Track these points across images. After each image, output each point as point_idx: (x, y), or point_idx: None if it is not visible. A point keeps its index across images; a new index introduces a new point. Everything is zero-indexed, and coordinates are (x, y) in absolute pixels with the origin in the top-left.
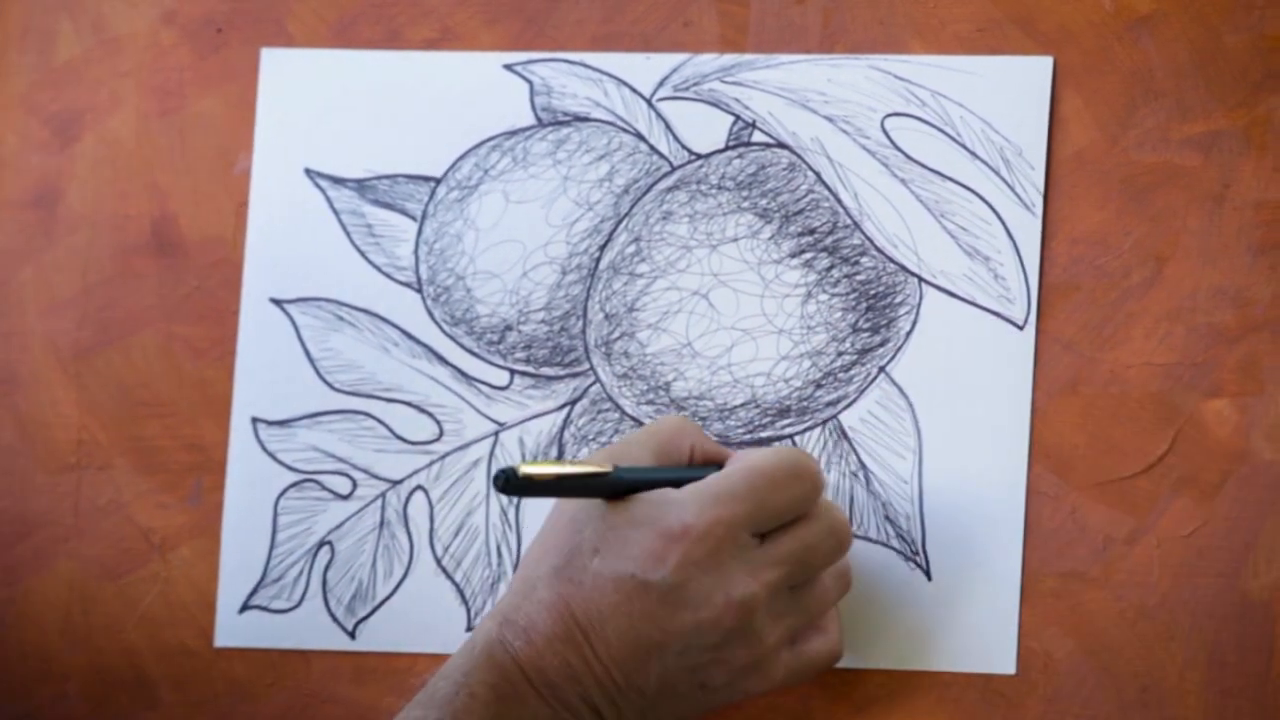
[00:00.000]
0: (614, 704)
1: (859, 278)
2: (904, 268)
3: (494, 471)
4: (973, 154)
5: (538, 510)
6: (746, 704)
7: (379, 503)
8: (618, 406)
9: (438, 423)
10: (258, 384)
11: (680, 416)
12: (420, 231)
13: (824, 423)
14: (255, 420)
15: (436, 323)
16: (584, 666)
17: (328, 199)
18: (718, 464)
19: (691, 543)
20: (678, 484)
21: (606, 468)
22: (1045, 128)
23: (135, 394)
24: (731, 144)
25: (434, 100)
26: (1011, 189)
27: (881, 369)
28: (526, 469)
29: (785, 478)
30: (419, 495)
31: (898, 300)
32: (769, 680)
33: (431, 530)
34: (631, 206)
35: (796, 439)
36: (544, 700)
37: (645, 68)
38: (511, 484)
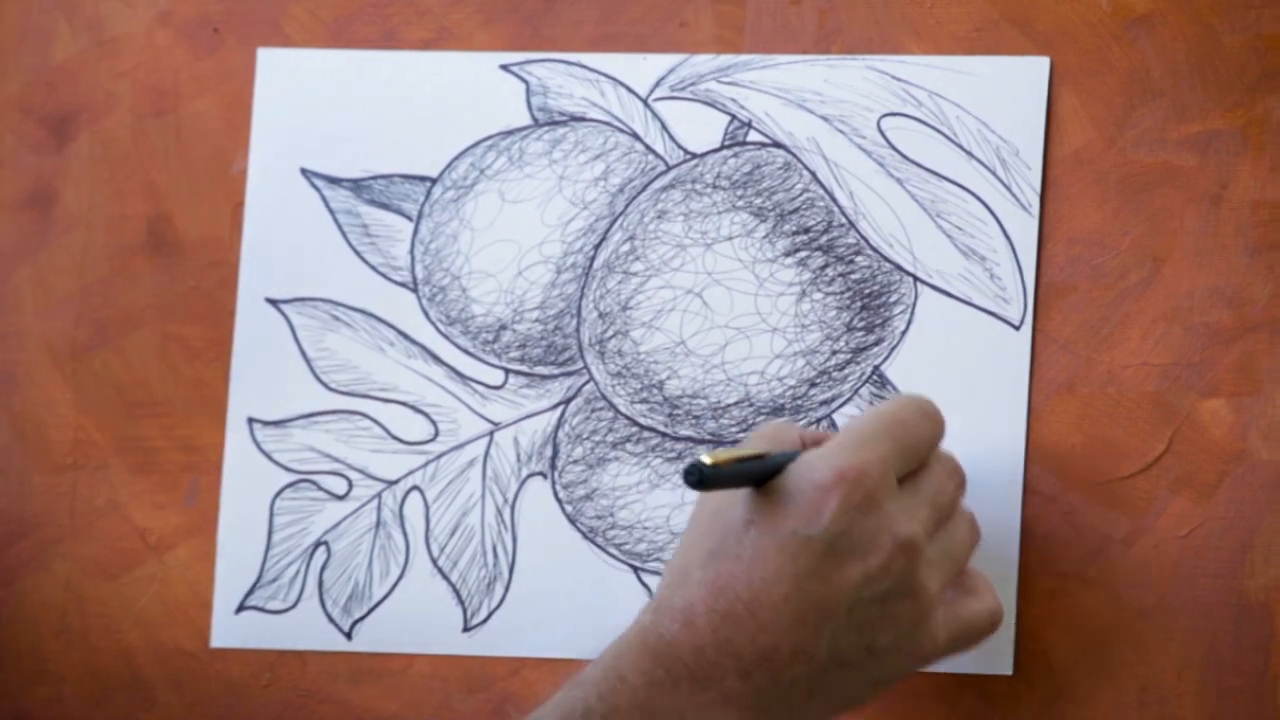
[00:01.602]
0: (778, 682)
1: (854, 276)
2: (899, 267)
3: (684, 470)
4: (969, 154)
5: (533, 512)
6: None
7: (375, 503)
8: (611, 405)
9: (433, 422)
10: (254, 384)
11: (779, 419)
12: (416, 231)
13: (818, 422)
14: (251, 420)
15: (432, 322)
16: (747, 642)
17: (324, 199)
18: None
19: (849, 487)
20: None
21: (764, 450)
22: (1042, 128)
23: (131, 394)
24: (727, 143)
25: (430, 100)
26: (1008, 189)
27: (876, 368)
28: (712, 458)
29: (916, 417)
30: (415, 495)
31: (892, 299)
32: (934, 643)
33: (427, 530)
34: (626, 205)
35: None
36: (700, 686)
37: (641, 68)
38: (704, 477)
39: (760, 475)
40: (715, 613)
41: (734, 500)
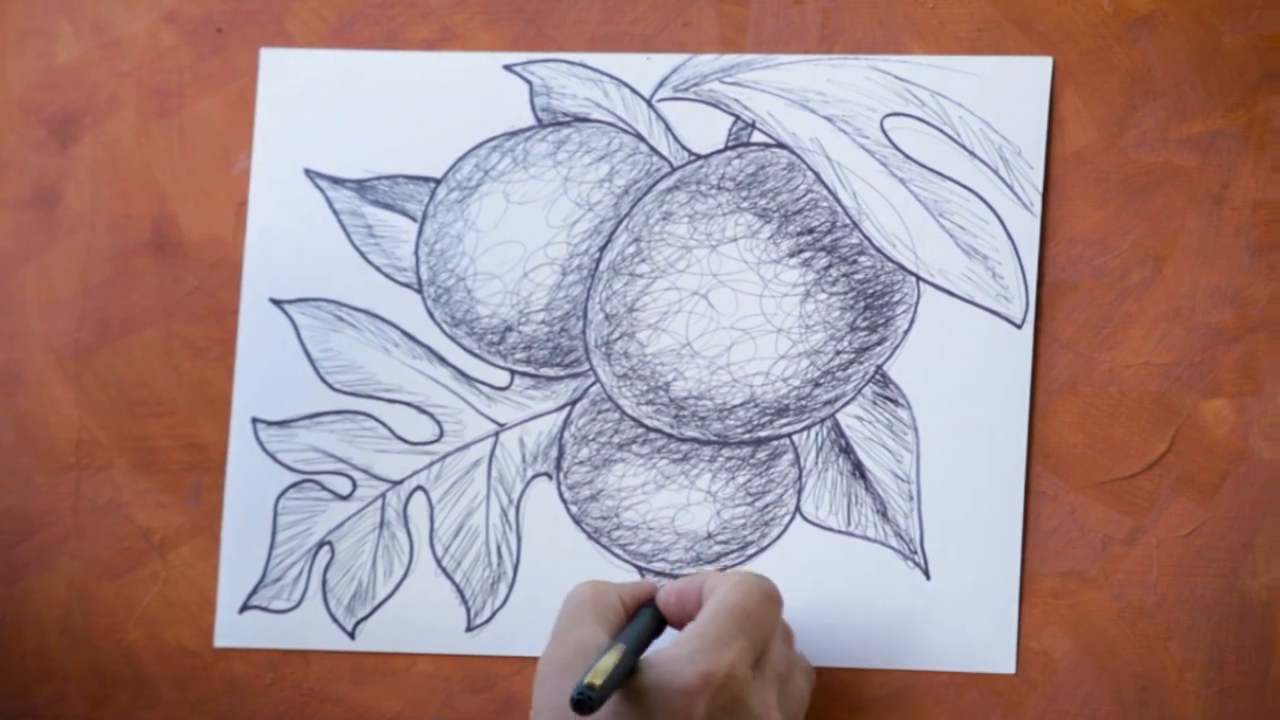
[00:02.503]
0: None
1: (857, 277)
2: (902, 267)
3: (575, 701)
4: (971, 154)
5: (538, 513)
6: None
7: (379, 503)
8: (618, 406)
9: (438, 423)
10: (258, 384)
11: (586, 582)
12: (420, 232)
13: (822, 421)
14: (255, 420)
15: (437, 323)
16: None
17: (327, 199)
18: (647, 600)
19: (714, 691)
20: (646, 641)
21: (622, 648)
22: (1044, 127)
23: (135, 394)
24: (731, 144)
25: (434, 101)
26: (1010, 188)
27: (879, 368)
28: (593, 680)
29: (764, 606)
30: (419, 496)
31: (896, 299)
32: None
33: (431, 530)
34: (631, 207)
35: (795, 438)
36: None
37: (645, 68)
38: (593, 703)
39: (626, 675)
40: None
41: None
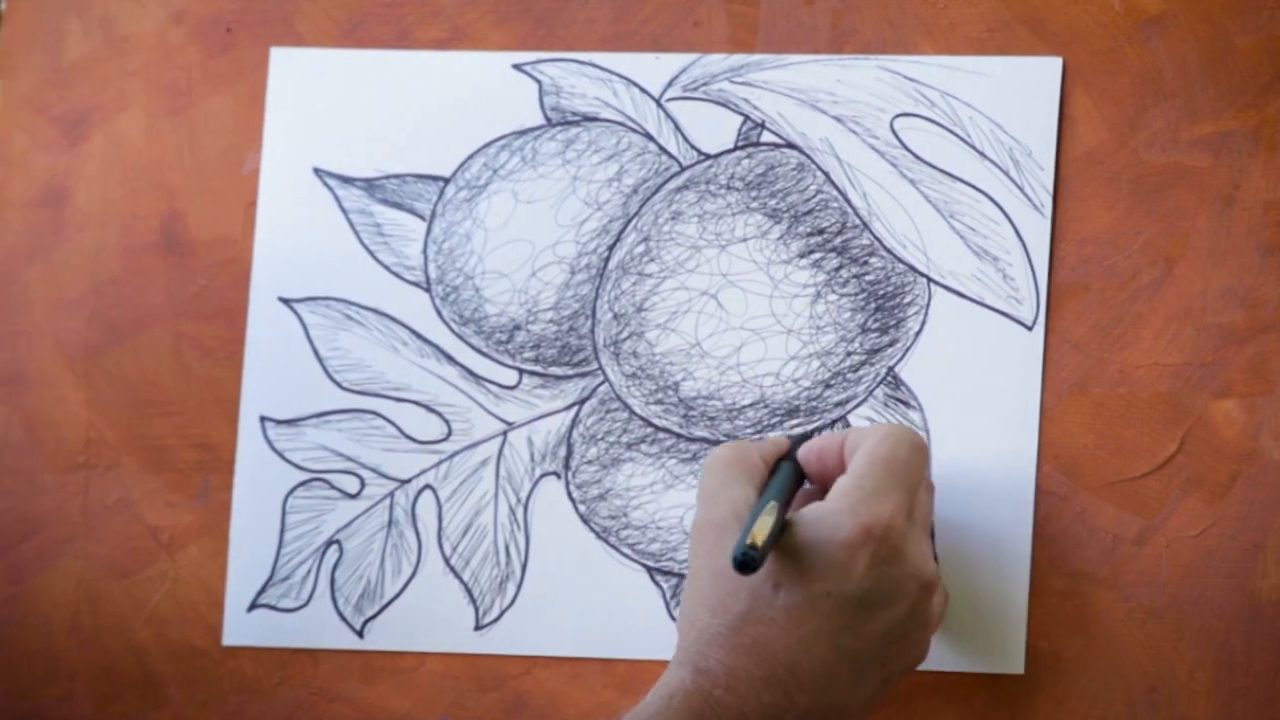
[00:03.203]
0: None
1: (868, 278)
2: (913, 268)
3: (738, 562)
4: (982, 154)
5: (546, 512)
6: None
7: (387, 502)
8: (626, 406)
9: (446, 422)
10: (266, 383)
11: (725, 444)
12: (429, 231)
13: (833, 423)
14: (264, 419)
15: (445, 322)
16: (788, 703)
17: (336, 198)
18: (785, 454)
19: (876, 543)
20: (790, 497)
21: (774, 505)
22: (1054, 128)
23: (143, 393)
24: (740, 144)
25: (443, 100)
26: (1021, 189)
27: (890, 369)
28: (754, 540)
29: (913, 455)
30: (427, 494)
31: (906, 300)
32: (926, 648)
33: (440, 529)
34: (640, 206)
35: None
36: None
37: (654, 68)
38: (756, 563)
39: (781, 532)
40: (757, 678)
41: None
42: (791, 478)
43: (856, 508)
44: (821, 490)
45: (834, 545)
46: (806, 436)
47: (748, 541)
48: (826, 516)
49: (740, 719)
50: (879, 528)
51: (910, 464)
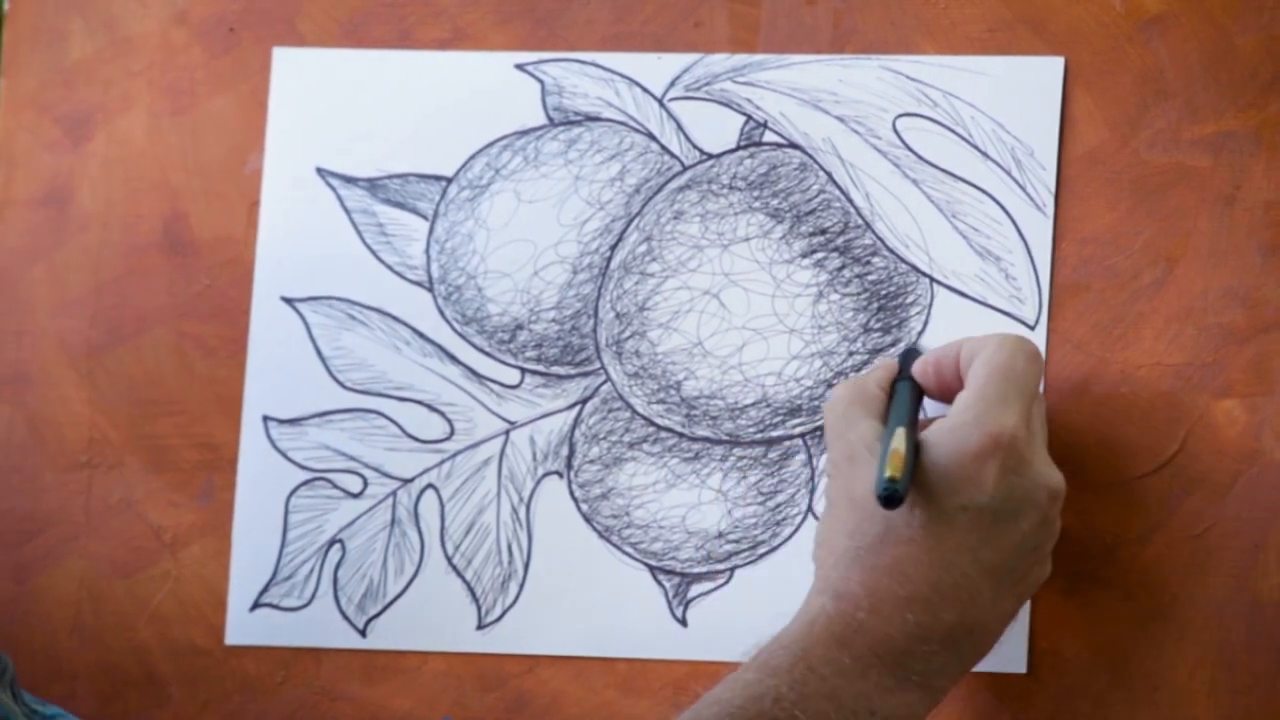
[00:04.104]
0: (959, 654)
1: (870, 278)
2: (915, 268)
3: (880, 493)
4: (984, 154)
5: (548, 511)
6: None
7: (390, 501)
8: (629, 405)
9: (449, 421)
10: (269, 382)
11: (842, 383)
12: (431, 231)
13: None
14: (266, 418)
15: (448, 321)
16: (933, 622)
17: (339, 198)
18: (901, 375)
19: (1004, 453)
20: (915, 419)
21: (901, 431)
22: (1056, 128)
23: (146, 392)
24: (743, 144)
25: (445, 100)
26: (1023, 189)
27: None
28: (892, 472)
29: (1032, 365)
30: (430, 494)
31: (909, 300)
32: (1049, 568)
33: (442, 528)
34: (643, 206)
35: (807, 438)
36: (888, 670)
37: (656, 68)
38: (901, 495)
39: (915, 458)
40: (900, 598)
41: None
42: (911, 397)
43: (981, 419)
44: (944, 403)
45: (964, 458)
46: (916, 352)
47: (887, 475)
48: (953, 430)
49: (886, 640)
50: (1005, 437)
51: (1028, 373)
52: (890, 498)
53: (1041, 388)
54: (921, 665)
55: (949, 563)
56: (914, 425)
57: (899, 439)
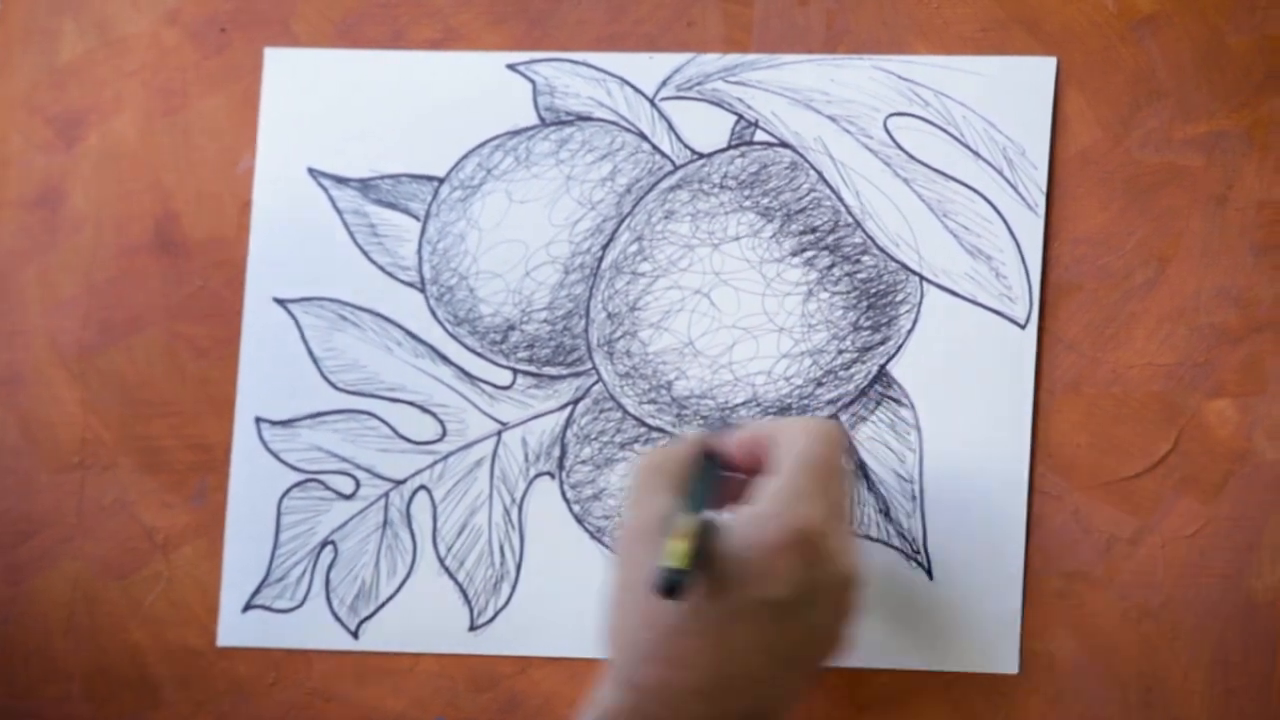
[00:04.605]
0: None
1: (860, 276)
2: (905, 266)
3: (658, 583)
4: (975, 154)
5: (540, 512)
6: None
7: (382, 502)
8: (620, 405)
9: (441, 422)
10: (261, 383)
11: (652, 449)
12: (423, 231)
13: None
14: (259, 420)
15: (440, 322)
16: (722, 712)
17: (331, 198)
18: (710, 453)
19: (803, 547)
20: (714, 499)
21: (696, 519)
22: (1048, 128)
23: (139, 393)
24: (734, 143)
25: (437, 100)
26: (1014, 188)
27: (882, 367)
28: (676, 564)
29: (839, 455)
30: (422, 495)
31: (899, 299)
32: (847, 645)
33: (434, 530)
34: (634, 206)
35: None
36: None
37: (648, 68)
38: (682, 586)
39: (702, 546)
40: (690, 690)
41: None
42: (710, 478)
43: (782, 513)
44: (748, 475)
45: (763, 550)
46: (729, 426)
47: (668, 563)
48: (754, 520)
49: None
50: (806, 532)
51: (835, 463)
52: (670, 588)
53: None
54: None
55: (741, 654)
56: (712, 500)
57: (688, 524)
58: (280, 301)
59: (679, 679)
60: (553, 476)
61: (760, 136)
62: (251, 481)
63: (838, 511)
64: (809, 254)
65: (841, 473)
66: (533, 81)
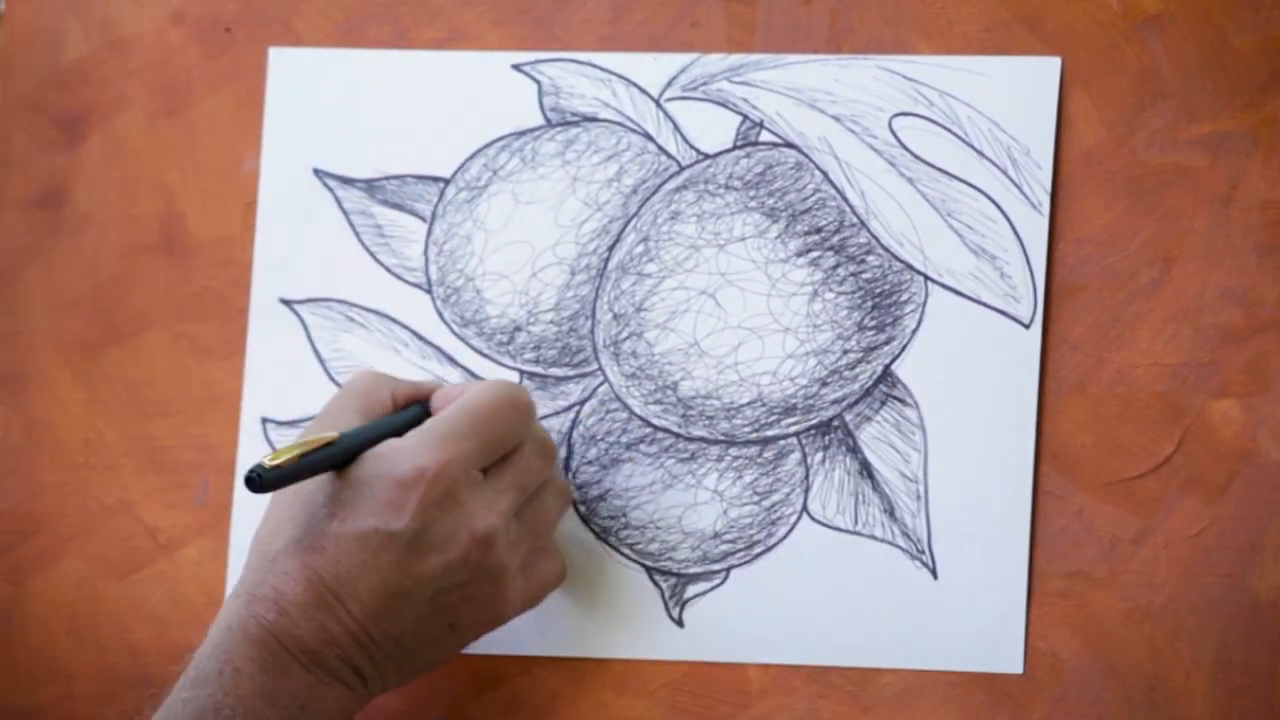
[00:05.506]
0: (372, 660)
1: (865, 276)
2: (910, 266)
3: (245, 476)
4: (980, 153)
5: None
6: (751, 702)
7: None
8: (626, 406)
9: None
10: (267, 384)
11: (369, 370)
12: (430, 232)
13: (829, 421)
14: (265, 420)
15: (446, 324)
16: (339, 628)
17: (336, 199)
18: (423, 400)
19: (428, 485)
20: (399, 433)
21: (333, 435)
22: (1053, 128)
23: (143, 393)
24: (739, 144)
25: (442, 100)
26: (1019, 188)
27: (887, 367)
28: (273, 460)
29: (504, 409)
30: None
31: (904, 298)
32: (509, 609)
33: None
34: (640, 206)
35: (802, 437)
36: (305, 668)
37: (653, 68)
38: (265, 480)
39: (341, 459)
40: (307, 604)
41: (318, 486)
42: (408, 417)
43: (418, 449)
44: None
45: (389, 482)
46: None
47: (262, 461)
48: (390, 453)
49: (296, 640)
50: (433, 470)
51: (495, 415)
52: (250, 480)
53: (548, 448)
54: (338, 665)
55: (355, 577)
56: (354, 442)
57: (316, 437)
58: (286, 302)
59: (294, 591)
60: None
61: (765, 137)
62: None
63: (493, 465)
64: (814, 254)
65: (499, 427)
66: (538, 82)
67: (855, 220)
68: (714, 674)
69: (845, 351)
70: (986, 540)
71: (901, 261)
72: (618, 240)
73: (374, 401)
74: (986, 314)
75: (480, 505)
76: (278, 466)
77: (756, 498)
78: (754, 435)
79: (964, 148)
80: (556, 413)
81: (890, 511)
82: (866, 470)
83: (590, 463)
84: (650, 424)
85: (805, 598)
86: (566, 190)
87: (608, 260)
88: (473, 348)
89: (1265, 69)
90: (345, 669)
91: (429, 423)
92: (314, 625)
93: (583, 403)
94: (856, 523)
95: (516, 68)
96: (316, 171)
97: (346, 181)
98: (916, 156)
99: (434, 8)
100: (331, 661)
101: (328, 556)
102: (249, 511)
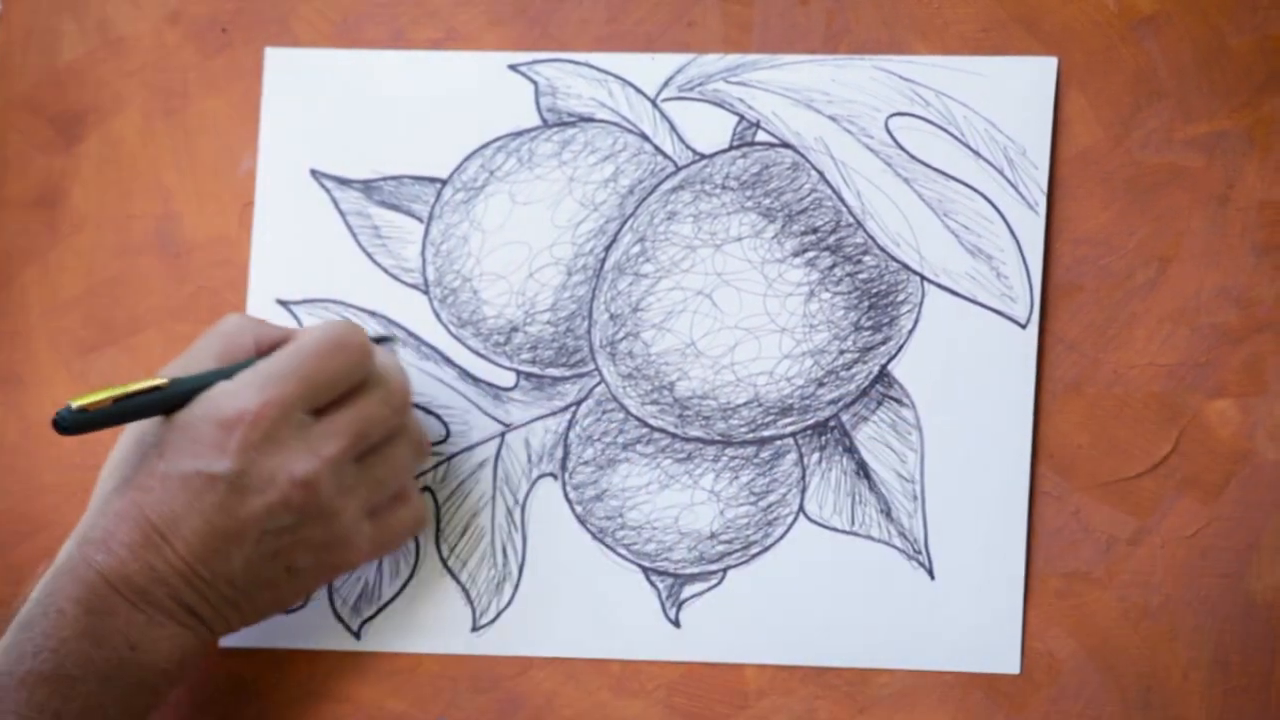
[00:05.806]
0: (205, 600)
1: (861, 276)
2: (906, 266)
3: (53, 418)
4: (976, 154)
5: (543, 513)
6: (748, 702)
7: None
8: (623, 406)
9: (444, 424)
10: None
11: (238, 314)
12: (426, 233)
13: (826, 421)
14: None
15: (443, 324)
16: (167, 567)
17: (333, 200)
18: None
19: (247, 428)
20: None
21: (161, 381)
22: (1049, 128)
23: None
24: (735, 144)
25: (439, 101)
26: (1015, 188)
27: (883, 367)
28: (79, 401)
29: (331, 350)
30: (425, 496)
31: (900, 299)
32: (356, 553)
33: (438, 530)
34: (636, 207)
35: (798, 437)
36: (135, 607)
37: (650, 68)
38: (69, 422)
39: (174, 402)
40: (134, 543)
41: (152, 426)
42: (249, 363)
43: (242, 390)
44: None
45: (211, 424)
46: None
47: (72, 402)
48: (217, 396)
49: (125, 580)
50: (251, 413)
51: (321, 356)
52: (57, 422)
53: (400, 397)
54: (169, 603)
55: (179, 518)
56: (187, 387)
57: (139, 382)
58: (283, 303)
59: (123, 531)
60: (555, 478)
61: (762, 137)
62: None
63: (323, 408)
64: (810, 254)
65: (326, 368)
66: (534, 82)
67: (851, 220)
68: (711, 674)
69: (842, 352)
70: (983, 540)
71: (898, 261)
72: (614, 240)
73: (235, 345)
74: (983, 314)
75: (303, 448)
76: (84, 409)
77: (753, 498)
78: (750, 435)
79: (960, 148)
80: (553, 413)
81: (887, 512)
82: (863, 470)
83: (587, 463)
84: (647, 424)
85: (802, 598)
86: (563, 191)
87: (604, 260)
88: (469, 348)
89: (1262, 69)
90: (178, 608)
91: (258, 364)
92: (141, 564)
93: (579, 403)
94: (853, 523)
95: (513, 68)
96: (313, 172)
97: (343, 182)
98: (913, 156)
99: (431, 8)
100: (162, 599)
101: (155, 496)
102: None
